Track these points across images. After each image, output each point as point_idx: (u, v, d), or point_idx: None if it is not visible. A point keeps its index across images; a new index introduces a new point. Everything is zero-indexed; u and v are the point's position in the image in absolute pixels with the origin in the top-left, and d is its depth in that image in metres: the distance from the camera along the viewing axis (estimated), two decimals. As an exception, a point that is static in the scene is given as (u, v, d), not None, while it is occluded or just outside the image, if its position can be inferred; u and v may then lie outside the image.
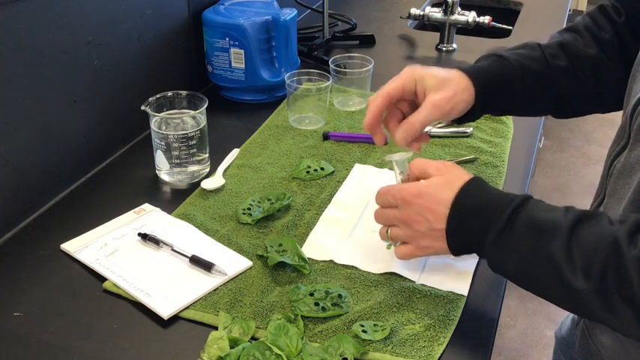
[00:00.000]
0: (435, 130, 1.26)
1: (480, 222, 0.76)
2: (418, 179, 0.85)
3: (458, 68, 0.91)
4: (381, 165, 1.18)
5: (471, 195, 0.78)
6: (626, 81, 0.90)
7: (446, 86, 0.87)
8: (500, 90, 0.91)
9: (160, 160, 1.10)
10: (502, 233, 0.74)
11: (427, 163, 0.85)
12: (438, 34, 1.74)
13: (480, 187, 0.80)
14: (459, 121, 0.93)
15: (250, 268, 0.93)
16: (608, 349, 0.83)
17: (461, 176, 0.81)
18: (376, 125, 0.90)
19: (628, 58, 0.92)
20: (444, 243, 0.80)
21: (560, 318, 1.15)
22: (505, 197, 0.76)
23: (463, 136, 1.25)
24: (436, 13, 1.74)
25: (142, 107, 1.07)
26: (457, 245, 0.80)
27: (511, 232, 0.73)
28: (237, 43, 1.33)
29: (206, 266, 0.90)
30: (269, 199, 1.05)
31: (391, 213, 0.85)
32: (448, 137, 1.25)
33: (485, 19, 1.71)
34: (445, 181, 0.81)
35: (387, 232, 0.87)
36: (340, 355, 0.77)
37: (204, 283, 0.89)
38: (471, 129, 1.26)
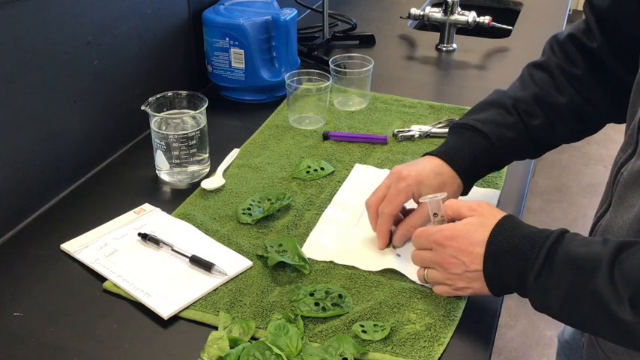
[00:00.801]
0: (435, 130, 1.26)
1: (517, 262, 0.75)
2: (453, 220, 0.85)
3: (443, 158, 0.95)
4: (381, 165, 1.18)
5: (505, 234, 0.77)
6: (605, 108, 0.95)
7: (442, 192, 0.92)
8: (485, 169, 0.99)
9: (160, 160, 1.10)
10: (541, 273, 0.73)
11: (460, 203, 0.84)
12: (438, 34, 1.74)
13: (514, 225, 0.78)
14: None
15: (250, 268, 0.93)
16: (618, 355, 0.82)
17: (494, 214, 0.80)
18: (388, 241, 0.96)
19: (608, 82, 0.94)
20: (482, 284, 0.79)
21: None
22: (540, 234, 0.75)
23: (463, 136, 1.25)
24: (436, 13, 1.74)
25: (142, 107, 1.07)
26: (497, 286, 0.79)
27: (550, 271, 0.72)
28: (237, 43, 1.33)
29: (206, 266, 0.90)
30: (269, 199, 1.05)
31: (427, 255, 0.85)
32: (448, 137, 1.25)
33: (485, 19, 1.71)
34: (478, 221, 0.80)
35: (424, 273, 0.87)
36: (340, 355, 0.77)
37: (204, 283, 0.89)
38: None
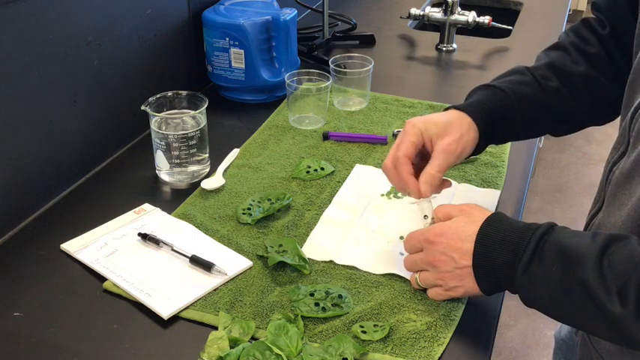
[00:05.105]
0: (435, 130, 1.26)
1: (506, 255, 0.75)
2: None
3: (455, 107, 0.92)
4: (381, 165, 1.17)
5: (495, 228, 0.77)
6: (619, 92, 0.93)
7: (450, 130, 0.89)
8: (500, 121, 0.93)
9: (160, 160, 1.10)
10: (531, 264, 0.72)
11: (450, 206, 0.85)
12: (438, 34, 1.74)
13: (503, 220, 0.79)
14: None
15: (250, 268, 0.93)
16: (611, 354, 0.82)
17: (484, 212, 0.81)
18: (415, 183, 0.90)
19: (616, 69, 0.94)
20: (473, 281, 0.79)
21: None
22: (529, 227, 0.75)
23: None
24: (436, 13, 1.74)
25: (142, 107, 1.07)
26: (487, 283, 0.79)
27: (540, 261, 0.72)
28: (237, 43, 1.33)
29: (206, 266, 0.90)
30: (269, 199, 1.05)
31: (417, 257, 0.85)
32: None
33: (485, 19, 1.71)
34: (467, 218, 0.81)
35: (416, 277, 0.86)
36: (340, 356, 0.77)
37: (204, 283, 0.89)
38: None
